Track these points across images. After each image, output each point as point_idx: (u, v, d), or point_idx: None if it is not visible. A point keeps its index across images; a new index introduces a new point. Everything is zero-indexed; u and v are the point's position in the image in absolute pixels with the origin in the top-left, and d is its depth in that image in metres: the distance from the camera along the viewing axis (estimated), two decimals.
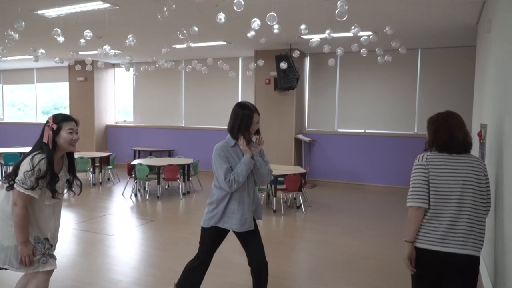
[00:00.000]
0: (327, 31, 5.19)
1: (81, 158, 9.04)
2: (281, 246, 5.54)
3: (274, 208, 7.21)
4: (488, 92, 4.43)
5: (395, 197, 8.66)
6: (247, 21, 5.66)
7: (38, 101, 14.52)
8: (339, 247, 5.44)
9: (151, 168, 8.32)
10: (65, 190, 2.91)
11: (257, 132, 3.17)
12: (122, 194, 8.50)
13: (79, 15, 6.34)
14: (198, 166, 9.19)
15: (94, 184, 9.40)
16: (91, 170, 9.45)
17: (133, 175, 8.39)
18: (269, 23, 4.26)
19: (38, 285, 2.74)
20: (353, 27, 4.80)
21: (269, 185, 7.53)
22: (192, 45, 8.86)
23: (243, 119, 3.07)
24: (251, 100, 10.24)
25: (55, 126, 2.68)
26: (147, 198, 8.20)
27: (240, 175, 3.01)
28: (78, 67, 8.97)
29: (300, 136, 9.82)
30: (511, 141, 2.27)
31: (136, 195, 8.42)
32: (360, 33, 6.36)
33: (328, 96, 10.13)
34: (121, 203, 7.88)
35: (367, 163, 9.64)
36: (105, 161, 9.88)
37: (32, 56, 9.72)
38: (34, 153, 2.64)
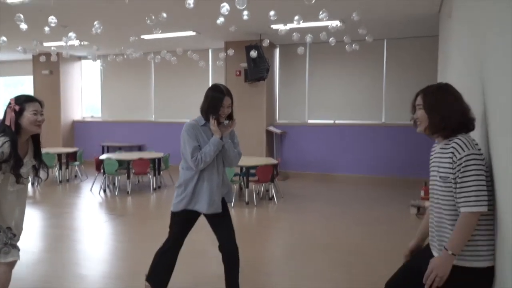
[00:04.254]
0: (296, 17, 5.18)
1: (47, 153, 8.74)
2: (254, 235, 5.53)
3: (246, 200, 7.18)
4: (452, 77, 4.53)
5: (366, 185, 8.81)
6: (216, 10, 5.59)
7: (1, 99, 13.93)
8: (312, 233, 5.48)
9: (120, 162, 8.12)
10: (31, 176, 2.78)
11: (230, 116, 3.14)
12: (90, 190, 8.28)
13: (43, 2, 6.09)
14: (169, 161, 9.05)
15: (60, 181, 9.11)
16: (58, 166, 9.15)
17: (102, 170, 8.17)
18: (238, 6, 4.21)
19: (0, 276, 2.62)
20: (321, 12, 4.81)
21: (240, 177, 7.51)
22: (161, 35, 8.71)
23: (212, 101, 3.03)
24: None
25: (17, 107, 2.55)
26: (116, 194, 8.00)
27: (207, 154, 2.98)
28: (42, 58, 8.63)
29: (271, 128, 9.82)
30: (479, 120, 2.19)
31: (105, 191, 8.19)
32: (328, 22, 6.45)
33: (298, 87, 10.16)
34: (89, 199, 7.67)
35: (338, 154, 9.74)
36: (72, 157, 9.58)
37: None
38: None
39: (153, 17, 5.33)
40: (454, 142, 1.85)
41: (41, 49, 9.62)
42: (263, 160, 8.02)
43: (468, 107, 1.94)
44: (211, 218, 3.13)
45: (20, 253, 2.70)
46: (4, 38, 6.69)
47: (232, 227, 3.17)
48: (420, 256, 2.16)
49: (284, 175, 9.68)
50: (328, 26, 6.32)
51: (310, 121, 10.09)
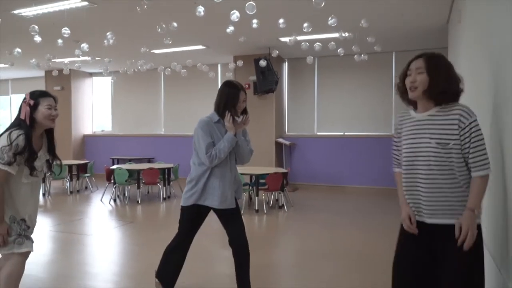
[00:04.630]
0: (305, 24, 5.28)
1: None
2: (264, 240, 5.51)
3: (256, 208, 7.17)
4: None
5: (376, 197, 8.75)
6: (225, 23, 5.73)
7: (13, 114, 14.18)
8: (322, 241, 5.44)
9: (130, 173, 8.18)
10: (45, 170, 2.82)
11: (245, 111, 3.16)
12: (101, 200, 8.31)
13: (57, 15, 6.28)
14: (179, 172, 9.10)
15: (71, 192, 9.16)
16: (68, 177, 9.23)
17: (112, 180, 8.23)
18: (248, 11, 4.31)
19: (13, 267, 2.62)
20: (330, 18, 4.90)
21: (250, 186, 7.51)
22: (171, 49, 8.90)
23: (229, 96, 3.05)
24: None
25: (32, 102, 2.60)
26: (126, 203, 8.04)
27: (222, 151, 2.99)
28: (55, 73, 8.84)
29: (281, 140, 9.87)
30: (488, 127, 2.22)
31: (115, 200, 8.24)
32: (336, 34, 6.54)
33: (306, 100, 10.25)
34: (100, 208, 7.71)
35: (348, 165, 9.73)
36: (82, 169, 9.66)
37: (7, 65, 9.58)
38: (12, 129, 2.57)
39: (163, 25, 5.47)
40: (457, 109, 1.86)
41: (53, 66, 9.86)
42: (273, 168, 8.04)
43: (461, 77, 1.96)
44: (221, 213, 3.12)
45: (31, 254, 2.71)
46: (19, 50, 6.90)
47: (242, 222, 3.17)
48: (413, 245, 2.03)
49: (293, 186, 9.66)
50: (336, 36, 6.43)
51: (319, 133, 10.13)
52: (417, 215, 2.00)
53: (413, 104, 2.07)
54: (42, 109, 2.62)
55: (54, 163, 2.84)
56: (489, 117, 2.27)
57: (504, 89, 1.98)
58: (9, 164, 2.49)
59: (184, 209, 3.15)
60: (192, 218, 3.15)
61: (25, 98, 2.65)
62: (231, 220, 3.15)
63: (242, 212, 6.82)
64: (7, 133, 2.55)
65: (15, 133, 2.53)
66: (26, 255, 2.68)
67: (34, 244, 2.71)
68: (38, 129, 2.66)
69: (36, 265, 4.13)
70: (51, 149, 2.80)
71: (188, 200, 3.09)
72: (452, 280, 1.87)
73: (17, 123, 2.61)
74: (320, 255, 4.78)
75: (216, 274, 4.09)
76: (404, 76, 2.02)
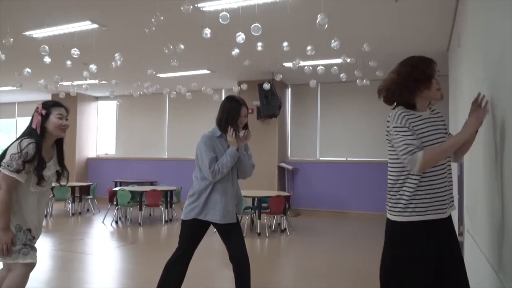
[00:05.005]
0: (309, 47, 5.40)
1: (60, 186, 8.84)
2: (264, 261, 5.45)
3: (258, 231, 7.12)
4: (462, 111, 4.55)
5: (378, 222, 8.65)
6: (230, 47, 5.88)
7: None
8: (323, 262, 5.40)
9: (133, 195, 8.19)
10: (53, 180, 2.80)
11: (246, 126, 3.20)
12: (103, 222, 8.28)
13: (67, 37, 6.45)
14: (181, 195, 9.08)
15: (73, 214, 9.13)
16: (71, 199, 9.23)
17: (114, 202, 8.23)
18: (253, 33, 4.44)
19: (16, 279, 2.57)
20: (333, 41, 5.02)
21: (252, 209, 7.48)
22: (176, 74, 9.07)
23: (230, 112, 3.09)
24: None
25: (44, 112, 2.64)
26: (128, 224, 8.00)
27: (224, 166, 3.00)
28: (62, 95, 8.99)
29: (283, 164, 9.89)
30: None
31: (117, 222, 8.21)
32: (338, 60, 6.67)
33: (309, 125, 10.33)
34: (101, 229, 7.67)
35: (350, 191, 9.70)
36: (85, 191, 9.67)
37: (15, 87, 9.77)
38: (23, 138, 2.60)
39: (170, 46, 5.61)
40: (439, 111, 2.19)
41: (61, 89, 10.04)
42: (275, 192, 8.03)
43: None
44: (222, 228, 3.10)
45: (33, 271, 2.67)
46: (29, 70, 7.05)
47: (242, 237, 3.14)
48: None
49: (295, 212, 9.61)
50: (339, 62, 6.56)
51: (321, 158, 10.15)
52: (448, 208, 2.09)
53: (410, 106, 2.15)
54: (53, 118, 2.65)
55: (63, 174, 2.84)
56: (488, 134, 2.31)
57: (501, 104, 2.03)
58: (18, 171, 2.49)
59: (184, 223, 3.13)
60: (193, 231, 3.12)
61: (37, 108, 2.68)
62: (232, 234, 3.12)
63: (244, 235, 6.84)
64: (18, 141, 2.58)
65: (25, 142, 2.55)
66: (30, 266, 2.64)
67: (34, 271, 2.66)
68: (49, 139, 2.69)
69: (36, 281, 4.10)
70: (60, 160, 2.82)
71: (189, 214, 3.07)
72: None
73: (28, 132, 2.64)
74: (319, 274, 4.73)
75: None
76: (433, 78, 2.07)
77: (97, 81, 9.47)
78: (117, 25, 6.07)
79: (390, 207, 2.18)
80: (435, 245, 2.06)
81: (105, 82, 9.73)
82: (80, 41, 6.46)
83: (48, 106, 2.68)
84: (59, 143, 2.80)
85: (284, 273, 5.10)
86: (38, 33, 6.36)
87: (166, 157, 11.81)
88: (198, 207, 3.04)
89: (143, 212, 8.17)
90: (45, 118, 2.64)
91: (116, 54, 6.06)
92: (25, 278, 2.61)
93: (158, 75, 9.08)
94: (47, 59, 6.34)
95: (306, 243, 6.58)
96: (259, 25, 4.40)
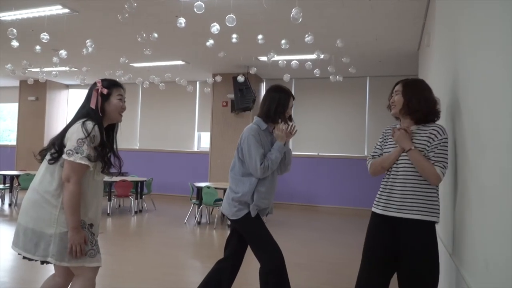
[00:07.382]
0: (283, 41, 5.45)
1: (27, 174, 8.63)
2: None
3: (229, 223, 7.13)
4: None
5: (349, 217, 8.86)
6: (205, 38, 5.86)
7: None
8: (295, 254, 5.47)
9: None
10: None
11: (290, 118, 2.93)
12: None
13: (37, 21, 6.27)
14: (152, 187, 9.00)
15: None
16: None
17: None
18: (228, 24, 4.44)
19: (85, 284, 2.20)
20: (306, 36, 5.08)
21: None
22: (150, 64, 8.95)
23: (279, 102, 2.83)
24: (208, 122, 10.34)
25: (105, 91, 2.27)
26: None
27: (274, 162, 2.78)
28: (30, 81, 8.73)
29: None
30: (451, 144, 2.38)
31: None
32: (313, 56, 6.76)
33: None
34: None
35: (321, 185, 9.86)
36: None
37: None
38: (84, 120, 2.20)
39: (144, 34, 5.54)
40: (433, 127, 2.19)
41: (29, 75, 9.75)
42: None
43: (437, 100, 2.27)
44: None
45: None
46: None
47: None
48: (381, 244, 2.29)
49: None
50: (313, 57, 6.64)
51: (294, 152, 10.23)
52: (385, 208, 2.28)
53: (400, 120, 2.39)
54: (114, 100, 2.32)
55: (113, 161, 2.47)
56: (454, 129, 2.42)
57: (461, 105, 2.15)
58: (89, 158, 2.16)
59: (250, 223, 2.93)
60: (261, 224, 2.95)
61: (96, 85, 2.29)
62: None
63: (214, 227, 6.87)
64: (78, 124, 2.19)
65: (90, 124, 2.18)
66: (96, 270, 2.27)
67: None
68: (105, 122, 2.33)
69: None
70: (112, 146, 2.45)
71: (254, 211, 2.88)
72: (406, 278, 2.16)
73: (85, 113, 2.26)
74: (291, 265, 4.79)
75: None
76: (390, 97, 2.38)
77: (67, 68, 9.25)
78: (90, 11, 5.95)
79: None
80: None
81: (76, 69, 9.51)
82: (51, 26, 6.28)
83: (109, 84, 2.32)
84: (112, 128, 2.45)
85: (256, 264, 5.15)
86: (5, 16, 6.15)
87: (137, 147, 11.65)
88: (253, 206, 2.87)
89: (112, 202, 8.06)
90: (105, 98, 2.29)
91: (88, 41, 5.93)
92: (93, 283, 2.26)
93: (131, 64, 8.95)
94: (15, 43, 6.16)
95: (281, 236, 6.62)
96: (234, 16, 4.41)
